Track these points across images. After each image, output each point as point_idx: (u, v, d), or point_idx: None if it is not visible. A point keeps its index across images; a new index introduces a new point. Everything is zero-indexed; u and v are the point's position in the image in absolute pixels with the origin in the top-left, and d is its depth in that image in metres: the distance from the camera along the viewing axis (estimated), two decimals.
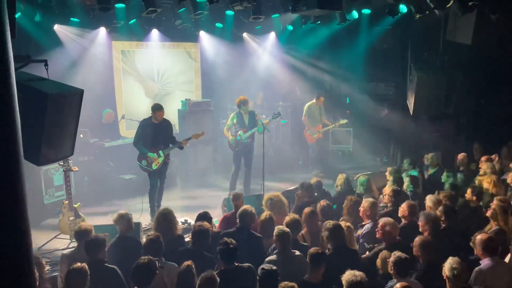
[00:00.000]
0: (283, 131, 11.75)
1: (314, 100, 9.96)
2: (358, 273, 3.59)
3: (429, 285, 4.06)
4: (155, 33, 10.41)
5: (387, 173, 7.48)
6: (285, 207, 5.84)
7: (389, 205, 6.11)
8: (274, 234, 4.51)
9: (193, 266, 3.98)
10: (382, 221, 4.84)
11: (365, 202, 5.47)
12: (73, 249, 5.01)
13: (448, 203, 5.51)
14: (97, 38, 9.73)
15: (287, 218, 4.97)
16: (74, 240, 6.24)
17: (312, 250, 4.11)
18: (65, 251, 5.14)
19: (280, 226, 4.60)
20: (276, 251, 4.49)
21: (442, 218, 5.10)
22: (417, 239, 4.41)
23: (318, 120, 9.97)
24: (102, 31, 9.63)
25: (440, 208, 5.29)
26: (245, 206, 5.26)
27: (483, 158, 7.52)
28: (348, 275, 3.59)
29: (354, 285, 3.54)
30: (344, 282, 3.59)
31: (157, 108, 7.23)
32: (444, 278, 3.81)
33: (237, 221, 5.13)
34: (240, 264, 4.24)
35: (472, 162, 8.15)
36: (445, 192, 5.96)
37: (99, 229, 5.44)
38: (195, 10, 8.10)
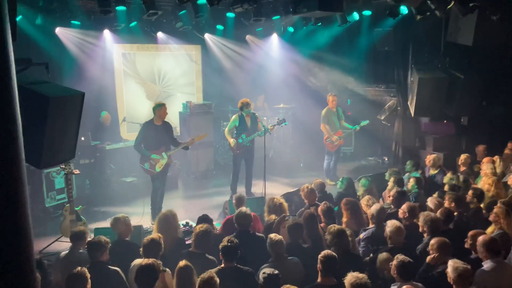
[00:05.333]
0: (284, 133, 11.73)
1: (328, 104, 9.35)
2: (361, 275, 3.57)
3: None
4: (156, 35, 10.44)
5: (387, 174, 7.47)
6: (285, 210, 5.82)
7: (392, 206, 6.09)
8: (267, 243, 4.48)
9: (190, 264, 3.96)
10: (389, 223, 4.79)
11: (374, 207, 5.43)
12: (67, 251, 4.96)
13: (452, 205, 5.49)
14: (98, 40, 9.78)
15: (290, 222, 4.94)
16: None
17: (323, 254, 3.98)
18: (59, 254, 5.11)
19: (272, 235, 4.52)
20: (271, 259, 4.43)
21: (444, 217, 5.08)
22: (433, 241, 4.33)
23: (337, 126, 9.38)
24: (103, 33, 9.66)
25: (441, 210, 5.27)
26: (240, 209, 5.23)
27: (485, 160, 7.50)
28: (351, 277, 3.55)
29: (357, 287, 3.50)
30: (347, 284, 3.55)
31: (158, 107, 7.11)
32: (449, 281, 3.75)
33: (235, 225, 5.11)
34: (240, 266, 4.22)
35: (474, 164, 8.13)
36: (449, 193, 5.90)
37: (100, 232, 5.44)
38: (195, 12, 8.11)
